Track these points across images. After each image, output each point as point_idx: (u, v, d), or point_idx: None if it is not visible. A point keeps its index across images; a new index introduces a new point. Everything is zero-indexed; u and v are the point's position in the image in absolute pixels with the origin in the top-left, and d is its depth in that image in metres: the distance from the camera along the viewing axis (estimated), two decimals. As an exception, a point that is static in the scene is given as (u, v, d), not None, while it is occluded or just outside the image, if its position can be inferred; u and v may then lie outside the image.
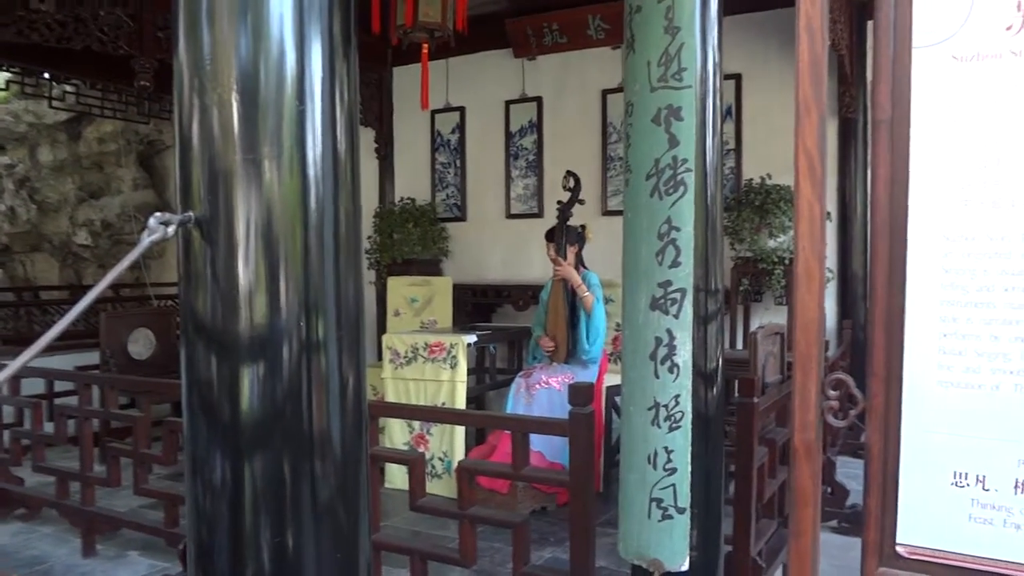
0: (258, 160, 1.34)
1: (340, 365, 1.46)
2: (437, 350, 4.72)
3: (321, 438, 1.43)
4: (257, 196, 1.35)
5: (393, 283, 6.23)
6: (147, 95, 7.15)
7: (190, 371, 1.43)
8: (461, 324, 5.98)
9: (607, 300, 4.71)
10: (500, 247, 6.91)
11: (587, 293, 4.57)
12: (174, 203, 1.43)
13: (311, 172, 1.39)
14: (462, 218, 7.09)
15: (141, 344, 5.96)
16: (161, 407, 5.32)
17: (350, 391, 1.48)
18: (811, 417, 1.30)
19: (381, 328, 6.35)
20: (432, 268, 6.93)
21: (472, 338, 4.89)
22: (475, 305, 6.71)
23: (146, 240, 1.33)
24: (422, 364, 4.76)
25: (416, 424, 4.74)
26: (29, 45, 5.40)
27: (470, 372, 5.15)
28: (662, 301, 2.25)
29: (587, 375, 4.56)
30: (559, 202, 4.79)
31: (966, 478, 1.21)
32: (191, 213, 1.38)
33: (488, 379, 5.73)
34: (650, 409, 2.27)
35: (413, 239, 6.82)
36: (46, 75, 6.83)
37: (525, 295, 6.33)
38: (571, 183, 4.73)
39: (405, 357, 4.82)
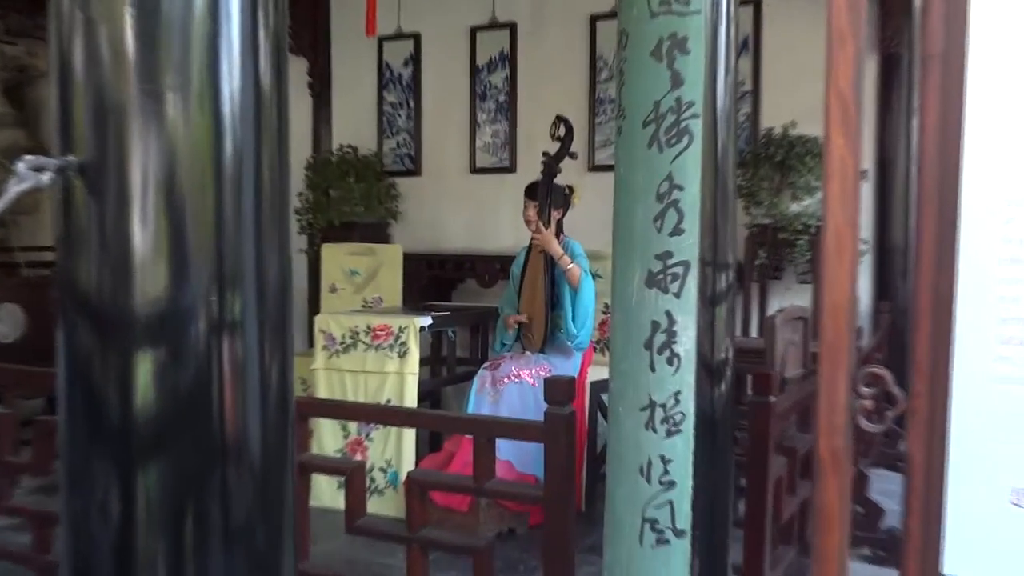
0: (159, 92, 1.32)
1: (260, 352, 1.45)
2: (382, 335, 4.71)
3: (235, 442, 1.42)
4: (157, 137, 1.33)
5: (329, 252, 6.19)
6: (15, 7, 7.00)
7: (70, 358, 1.41)
8: (413, 303, 5.97)
9: (594, 275, 4.71)
10: (463, 208, 6.91)
11: (572, 265, 4.56)
12: (50, 145, 1.40)
13: (226, 109, 1.37)
14: (416, 172, 7.07)
15: (7, 323, 5.89)
16: (32, 403, 5.25)
17: (272, 384, 1.47)
18: (839, 420, 1.32)
19: (313, 307, 6.32)
20: (378, 233, 6.92)
21: (426, 320, 4.89)
22: (431, 280, 6.72)
23: (12, 191, 1.30)
24: (363, 352, 4.75)
25: (352, 427, 4.73)
26: None
27: (423, 362, 5.14)
28: (660, 277, 2.26)
29: (567, 367, 4.58)
30: (545, 153, 4.75)
31: (1026, 496, 1.24)
32: (72, 157, 1.35)
33: (446, 371, 5.74)
34: (644, 409, 2.28)
35: (355, 197, 6.79)
36: None
37: (493, 268, 6.34)
38: (561, 131, 4.70)
39: (342, 343, 4.81)
